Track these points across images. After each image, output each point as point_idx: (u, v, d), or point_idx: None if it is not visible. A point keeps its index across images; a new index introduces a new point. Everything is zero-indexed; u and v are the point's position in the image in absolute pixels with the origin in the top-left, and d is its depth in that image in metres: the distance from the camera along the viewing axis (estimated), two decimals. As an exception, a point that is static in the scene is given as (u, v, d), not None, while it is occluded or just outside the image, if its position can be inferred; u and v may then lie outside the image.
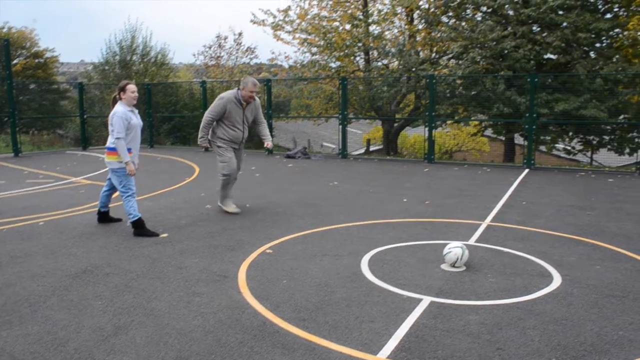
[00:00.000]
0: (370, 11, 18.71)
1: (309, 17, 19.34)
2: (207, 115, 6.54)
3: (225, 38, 31.91)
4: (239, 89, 6.48)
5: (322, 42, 18.55)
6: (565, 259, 4.86)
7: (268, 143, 6.77)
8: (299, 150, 13.63)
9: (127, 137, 5.61)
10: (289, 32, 19.43)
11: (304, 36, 19.23)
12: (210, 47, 26.54)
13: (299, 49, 19.65)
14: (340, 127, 13.51)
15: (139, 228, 5.67)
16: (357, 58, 19.37)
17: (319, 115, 17.86)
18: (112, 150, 5.64)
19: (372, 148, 22.93)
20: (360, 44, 18.24)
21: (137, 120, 5.76)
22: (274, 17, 19.32)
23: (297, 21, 19.34)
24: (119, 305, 3.79)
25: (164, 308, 3.73)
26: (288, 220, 6.44)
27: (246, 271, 4.51)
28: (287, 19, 19.29)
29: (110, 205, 6.30)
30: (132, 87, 5.68)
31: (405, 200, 7.75)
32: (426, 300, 3.84)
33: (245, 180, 9.40)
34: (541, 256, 4.92)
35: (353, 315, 3.60)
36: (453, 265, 4.51)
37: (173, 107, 18.60)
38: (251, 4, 56.24)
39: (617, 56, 14.32)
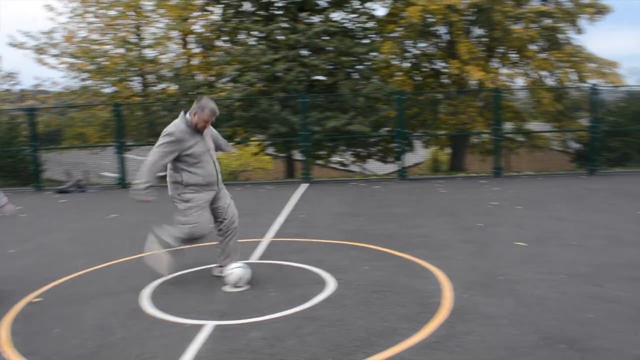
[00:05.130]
0: (142, 35, 18.21)
1: (77, 40, 18.09)
2: (154, 156, 4.63)
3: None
4: (186, 113, 4.77)
5: (92, 67, 17.50)
6: (339, 264, 5.26)
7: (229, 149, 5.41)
8: (73, 183, 12.61)
9: None
10: (55, 56, 17.94)
11: (72, 60, 17.94)
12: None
13: (67, 74, 18.29)
14: (118, 155, 12.88)
15: None
16: (133, 83, 18.66)
17: (95, 144, 16.76)
18: None
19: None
20: (135, 68, 17.62)
21: None
22: (37, 39, 17.68)
23: (65, 44, 17.96)
24: None
25: None
26: (60, 262, 5.90)
27: (10, 327, 4.01)
28: (51, 42, 17.80)
29: None
30: None
31: (190, 225, 7.64)
32: (209, 325, 3.83)
33: (8, 223, 8.38)
34: (318, 264, 5.25)
35: (134, 354, 3.43)
36: (235, 285, 4.58)
37: None
38: (10, 25, 50.68)
39: (375, 77, 16.10)
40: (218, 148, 5.20)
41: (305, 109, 12.45)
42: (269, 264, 5.39)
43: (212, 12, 17.59)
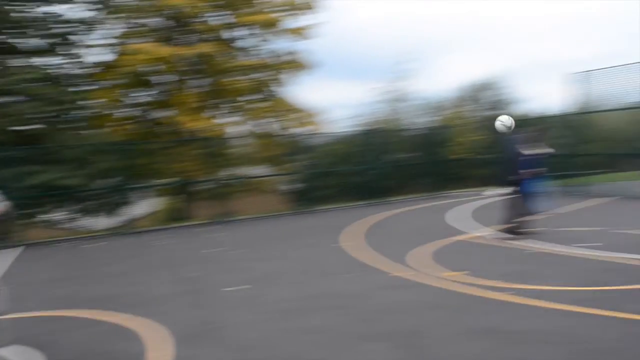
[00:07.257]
0: None
1: None
2: None
3: None
4: None
5: None
6: (48, 338, 4.89)
7: None
8: None
9: None
10: None
11: None
12: None
13: None
14: None
15: None
16: None
17: None
18: None
19: None
20: None
21: None
22: None
23: None
24: None
25: None
26: None
27: None
28: None
29: None
30: None
31: None
32: None
33: None
34: (24, 342, 4.81)
35: None
36: None
37: None
38: None
39: (89, 126, 15.38)
40: None
41: (9, 162, 11.23)
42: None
43: None
